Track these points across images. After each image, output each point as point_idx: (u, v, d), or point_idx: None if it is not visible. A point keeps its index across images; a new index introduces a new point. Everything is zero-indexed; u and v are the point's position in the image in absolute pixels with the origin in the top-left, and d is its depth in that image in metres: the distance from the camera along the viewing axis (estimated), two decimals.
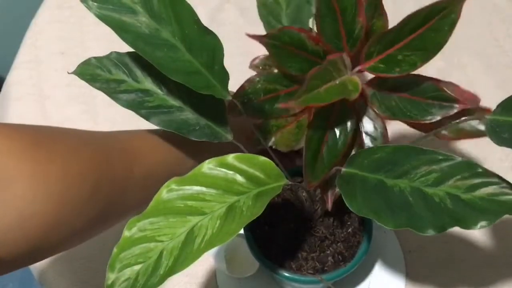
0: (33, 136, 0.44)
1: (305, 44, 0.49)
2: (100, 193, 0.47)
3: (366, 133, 0.52)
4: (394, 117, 0.51)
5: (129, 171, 0.51)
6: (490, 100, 0.51)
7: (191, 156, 0.57)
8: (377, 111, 0.51)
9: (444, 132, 0.51)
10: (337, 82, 0.47)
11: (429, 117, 0.50)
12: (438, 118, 0.49)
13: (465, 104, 0.49)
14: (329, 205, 0.53)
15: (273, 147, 0.54)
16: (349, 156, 0.50)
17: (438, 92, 0.50)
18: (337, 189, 0.52)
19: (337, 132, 0.51)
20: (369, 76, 0.50)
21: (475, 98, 0.49)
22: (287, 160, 0.67)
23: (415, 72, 0.47)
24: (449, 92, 0.50)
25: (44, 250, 0.45)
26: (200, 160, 0.47)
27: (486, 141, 0.78)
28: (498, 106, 0.48)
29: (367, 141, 0.52)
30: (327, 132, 0.50)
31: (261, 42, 0.48)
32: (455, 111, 0.49)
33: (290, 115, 0.55)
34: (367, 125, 0.52)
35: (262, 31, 0.57)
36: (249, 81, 0.54)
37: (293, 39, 0.49)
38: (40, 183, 0.42)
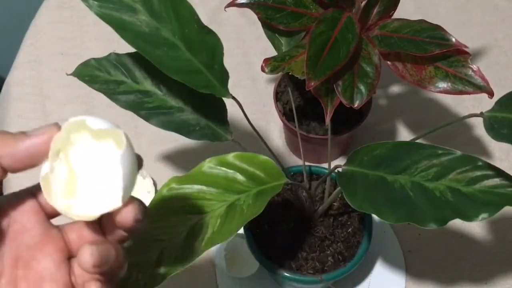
0: None
1: None
2: None
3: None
4: (390, 50, 0.52)
5: None
6: (489, 99, 0.51)
7: None
8: (376, 48, 0.53)
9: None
10: None
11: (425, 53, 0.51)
12: (436, 52, 0.51)
13: (460, 45, 0.51)
14: (328, 118, 0.53)
15: (290, 73, 0.53)
16: (349, 69, 0.51)
17: (436, 31, 0.52)
18: (337, 98, 0.53)
19: (341, 41, 0.51)
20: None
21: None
22: None
23: None
24: (446, 32, 0.52)
25: None
26: None
27: (485, 141, 0.78)
28: (496, 103, 0.48)
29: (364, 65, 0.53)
30: (332, 38, 0.51)
31: None
32: (451, 48, 0.51)
33: (298, 47, 0.56)
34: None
35: (261, 31, 0.57)
36: None
37: None
38: None
